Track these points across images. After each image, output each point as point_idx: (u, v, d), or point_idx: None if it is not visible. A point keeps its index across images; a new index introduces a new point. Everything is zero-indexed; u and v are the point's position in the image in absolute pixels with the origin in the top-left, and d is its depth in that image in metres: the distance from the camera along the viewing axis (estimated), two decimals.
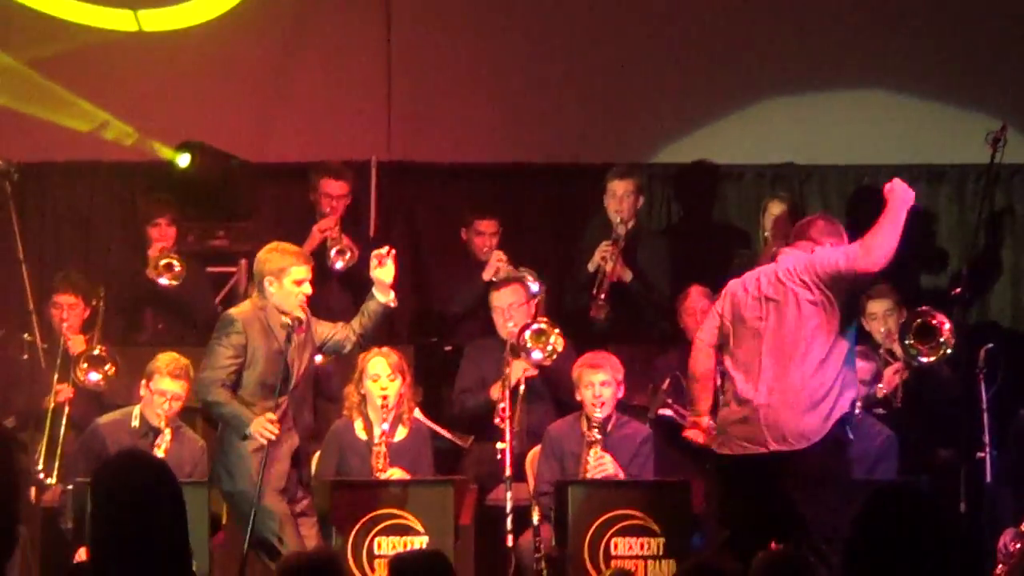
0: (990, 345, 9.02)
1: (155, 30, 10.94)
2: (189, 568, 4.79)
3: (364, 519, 8.32)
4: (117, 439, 8.74)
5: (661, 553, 8.38)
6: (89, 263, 10.68)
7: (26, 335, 9.68)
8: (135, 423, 8.79)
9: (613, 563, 8.31)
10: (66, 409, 9.38)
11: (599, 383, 8.78)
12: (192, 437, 8.88)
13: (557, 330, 9.14)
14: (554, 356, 9.13)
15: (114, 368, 9.43)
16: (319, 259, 9.29)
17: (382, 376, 8.72)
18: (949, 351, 8.81)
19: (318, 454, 8.80)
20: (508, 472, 8.62)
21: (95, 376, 9.46)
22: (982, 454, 8.82)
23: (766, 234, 10.25)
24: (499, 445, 8.74)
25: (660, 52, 11.05)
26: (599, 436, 8.69)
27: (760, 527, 7.64)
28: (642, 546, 8.39)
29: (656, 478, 8.80)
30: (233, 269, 10.57)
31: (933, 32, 10.94)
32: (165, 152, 10.67)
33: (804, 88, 11.08)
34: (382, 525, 8.34)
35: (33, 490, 9.16)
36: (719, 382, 8.11)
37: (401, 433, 8.85)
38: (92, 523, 4.74)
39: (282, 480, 7.95)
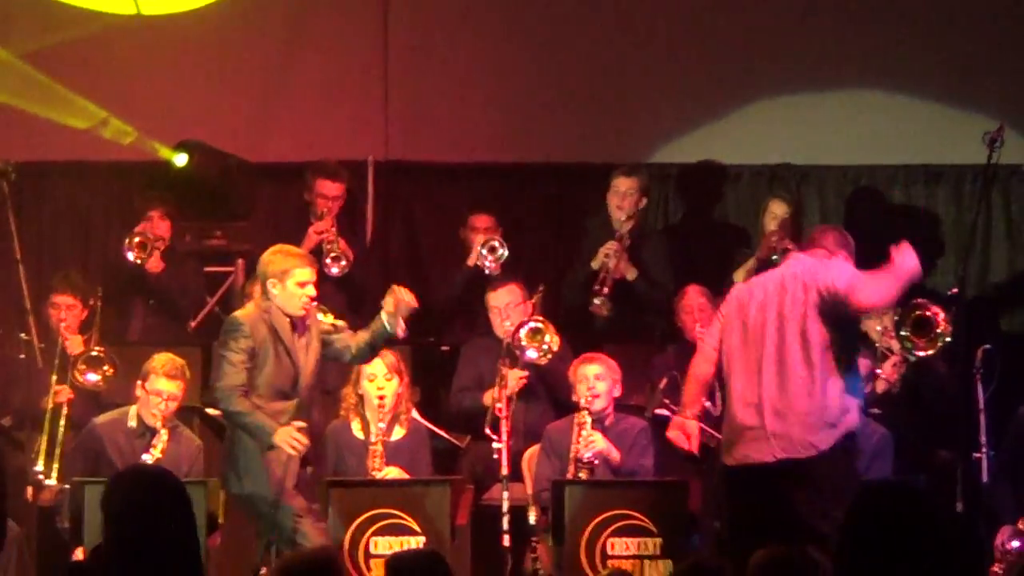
0: (987, 345, 9.02)
1: (153, 14, 10.89)
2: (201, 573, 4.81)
3: (360, 519, 8.32)
4: (114, 439, 8.75)
5: (658, 553, 8.37)
6: (87, 263, 10.68)
7: (23, 335, 9.68)
8: (132, 423, 8.79)
9: (610, 563, 8.31)
10: (64, 409, 9.37)
11: (593, 376, 8.83)
12: (189, 436, 8.88)
13: (552, 329, 9.15)
14: (550, 355, 9.14)
15: (112, 369, 9.43)
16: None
17: (379, 376, 8.73)
18: (948, 339, 8.76)
19: None
20: (505, 472, 8.63)
21: (93, 377, 9.46)
22: (979, 454, 8.81)
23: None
24: (496, 445, 8.75)
25: (658, 52, 11.05)
26: (588, 418, 8.72)
27: (766, 535, 7.60)
28: (639, 546, 8.39)
29: (653, 478, 8.80)
30: (230, 268, 10.57)
31: (931, 33, 10.94)
32: (163, 151, 10.67)
33: (802, 88, 11.08)
34: (379, 525, 8.33)
35: (30, 489, 9.16)
36: (716, 387, 8.11)
37: (399, 433, 8.86)
38: (105, 537, 4.75)
39: (293, 478, 7.96)
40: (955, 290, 9.21)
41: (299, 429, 7.83)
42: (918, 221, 10.98)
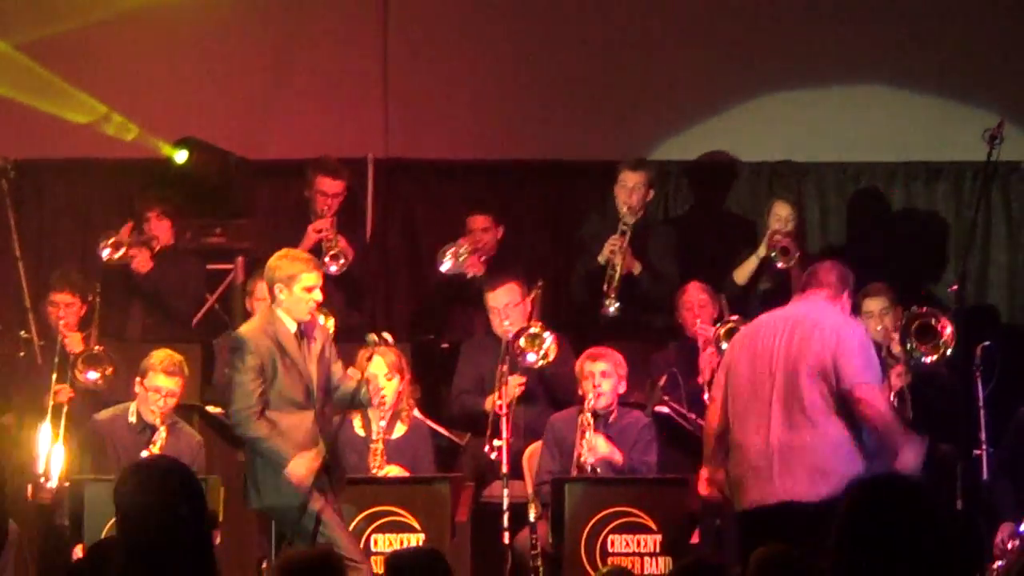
0: (987, 342, 9.01)
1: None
2: (213, 566, 4.80)
3: (361, 516, 8.32)
4: (115, 435, 8.75)
5: (658, 550, 8.38)
6: (86, 261, 10.66)
7: (23, 332, 9.68)
8: (132, 419, 8.80)
9: (610, 560, 8.31)
10: (64, 408, 9.37)
11: (599, 373, 8.83)
12: (189, 432, 8.88)
13: (549, 333, 9.15)
14: (548, 359, 9.14)
15: (112, 367, 9.43)
16: None
17: (379, 374, 8.72)
18: (950, 351, 8.77)
19: None
20: (505, 469, 8.63)
21: (93, 375, 9.46)
22: (979, 451, 8.80)
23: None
24: (496, 442, 8.75)
25: (658, 49, 11.04)
26: (591, 421, 8.72)
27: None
28: (639, 543, 8.39)
29: (654, 475, 8.80)
30: (230, 266, 10.56)
31: (931, 29, 10.93)
32: (163, 149, 10.66)
33: (802, 84, 11.07)
34: (379, 522, 8.34)
35: (30, 487, 9.15)
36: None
37: (400, 430, 8.86)
38: (118, 529, 4.76)
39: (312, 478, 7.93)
40: (955, 287, 9.22)
41: (310, 471, 7.73)
42: (918, 218, 10.98)
